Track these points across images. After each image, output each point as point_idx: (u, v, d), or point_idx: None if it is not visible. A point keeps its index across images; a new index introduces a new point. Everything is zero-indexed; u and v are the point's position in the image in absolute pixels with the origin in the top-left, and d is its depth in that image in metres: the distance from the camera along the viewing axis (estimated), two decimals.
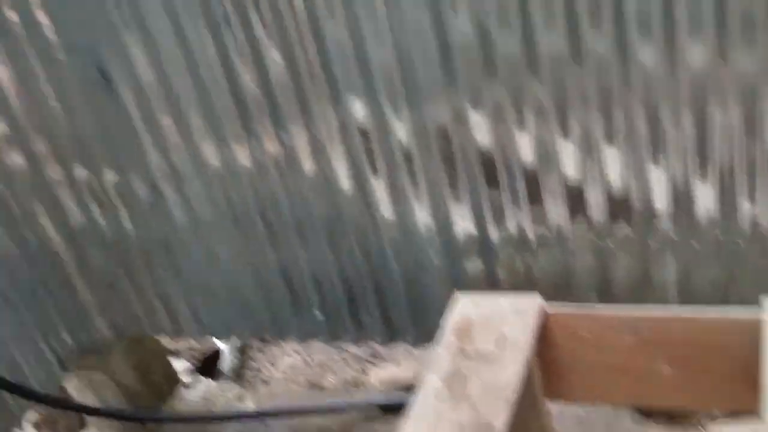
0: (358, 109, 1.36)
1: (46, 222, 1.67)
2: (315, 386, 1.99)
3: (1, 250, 1.65)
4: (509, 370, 1.11)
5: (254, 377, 2.11)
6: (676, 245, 1.30)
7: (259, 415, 1.89)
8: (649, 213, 1.30)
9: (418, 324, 1.56)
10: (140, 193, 1.62)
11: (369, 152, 1.41)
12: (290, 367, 2.07)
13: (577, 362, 1.22)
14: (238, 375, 2.12)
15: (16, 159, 1.59)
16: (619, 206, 1.31)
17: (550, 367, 1.25)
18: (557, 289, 1.43)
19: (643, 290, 1.36)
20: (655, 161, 1.25)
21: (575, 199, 1.33)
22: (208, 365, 2.17)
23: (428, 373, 1.15)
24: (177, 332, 1.89)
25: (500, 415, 1.05)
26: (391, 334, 1.65)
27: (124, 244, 1.71)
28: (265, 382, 2.06)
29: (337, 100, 1.36)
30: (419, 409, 1.10)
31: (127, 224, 1.68)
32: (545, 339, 1.23)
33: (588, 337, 1.19)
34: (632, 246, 1.33)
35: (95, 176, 1.61)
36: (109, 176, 1.60)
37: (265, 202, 1.53)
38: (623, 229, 1.32)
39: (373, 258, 1.54)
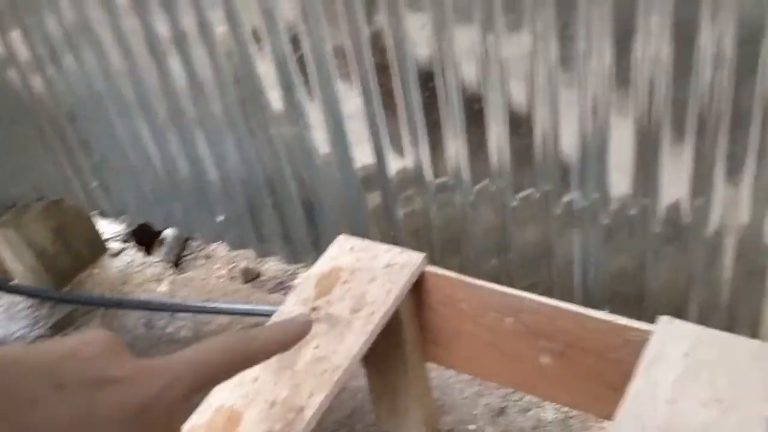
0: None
1: None
2: (250, 274, 1.88)
3: None
4: (350, 345, 0.97)
5: (189, 260, 2.00)
6: (583, 217, 1.13)
7: (155, 309, 1.79)
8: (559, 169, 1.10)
9: (319, 250, 1.44)
10: (43, 58, 1.47)
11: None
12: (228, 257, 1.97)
13: (457, 331, 1.12)
14: (174, 254, 2.01)
15: None
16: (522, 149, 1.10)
17: (431, 330, 1.16)
18: (454, 241, 1.28)
19: (543, 263, 1.22)
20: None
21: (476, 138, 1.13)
22: (147, 234, 2.03)
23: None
24: (92, 206, 1.78)
25: (318, 397, 0.90)
26: (294, 255, 1.54)
27: (34, 108, 1.58)
28: (196, 268, 1.96)
29: None
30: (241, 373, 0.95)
31: (38, 87, 1.55)
32: (425, 301, 1.13)
33: (467, 310, 1.10)
34: (535, 209, 1.16)
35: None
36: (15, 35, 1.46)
37: (171, 89, 1.37)
38: (528, 189, 1.15)
39: (270, 172, 1.39)
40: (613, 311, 1.00)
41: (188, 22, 1.24)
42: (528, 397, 1.33)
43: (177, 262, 2.00)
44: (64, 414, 0.34)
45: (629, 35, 0.91)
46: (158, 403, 0.38)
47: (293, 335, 0.47)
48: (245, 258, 1.94)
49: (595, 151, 1.04)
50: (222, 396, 0.93)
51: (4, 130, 1.68)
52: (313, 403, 0.91)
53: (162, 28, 1.28)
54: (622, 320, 0.94)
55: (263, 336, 0.46)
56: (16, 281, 1.91)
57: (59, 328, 1.79)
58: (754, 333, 1.06)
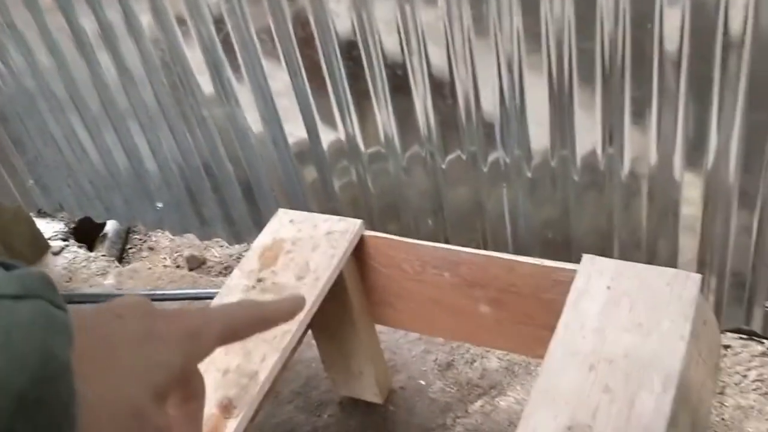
0: None
1: None
2: (196, 261, 1.91)
3: None
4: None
5: (133, 253, 2.01)
6: (509, 173, 1.19)
7: (103, 301, 1.79)
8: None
9: (261, 228, 1.46)
10: None
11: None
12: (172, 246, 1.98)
13: (401, 291, 1.18)
14: (117, 248, 2.01)
15: None
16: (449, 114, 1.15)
17: (376, 292, 1.20)
18: (391, 207, 1.33)
19: (476, 219, 1.27)
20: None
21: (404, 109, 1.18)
22: (88, 231, 2.03)
23: (216, 301, 1.05)
24: (29, 205, 1.78)
25: (270, 360, 0.95)
26: (236, 236, 1.57)
27: None
28: (141, 260, 1.97)
29: None
30: None
31: None
32: (367, 264, 1.18)
33: (408, 269, 1.16)
34: (464, 169, 1.21)
35: None
36: None
37: (101, 81, 1.37)
38: (455, 151, 1.20)
39: (206, 155, 1.41)
40: (544, 258, 1.07)
41: (113, 13, 1.26)
42: (473, 350, 1.40)
43: (121, 256, 2.01)
44: (127, 332, 0.41)
45: None
46: (201, 333, 0.45)
47: (294, 306, 0.52)
48: (189, 246, 1.97)
49: (514, 109, 1.10)
50: None
51: None
52: (266, 366, 0.95)
53: (87, 22, 1.29)
54: (549, 263, 1.00)
55: (273, 304, 0.52)
56: None
57: None
58: (672, 265, 1.14)
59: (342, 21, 1.11)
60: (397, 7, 1.06)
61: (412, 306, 1.18)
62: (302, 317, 1.01)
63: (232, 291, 1.07)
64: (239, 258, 1.90)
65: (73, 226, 2.02)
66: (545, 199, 1.18)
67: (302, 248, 1.12)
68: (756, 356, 1.32)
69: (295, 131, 1.29)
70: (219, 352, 0.98)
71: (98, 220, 1.74)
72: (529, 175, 1.16)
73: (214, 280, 1.80)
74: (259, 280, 1.08)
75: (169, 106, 1.36)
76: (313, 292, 1.04)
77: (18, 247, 1.91)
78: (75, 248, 1.95)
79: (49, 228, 2.00)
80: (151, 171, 1.49)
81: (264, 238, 1.15)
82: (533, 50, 1.02)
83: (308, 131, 1.28)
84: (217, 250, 1.95)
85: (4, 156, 1.64)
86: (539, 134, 1.11)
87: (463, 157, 1.20)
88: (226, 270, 1.90)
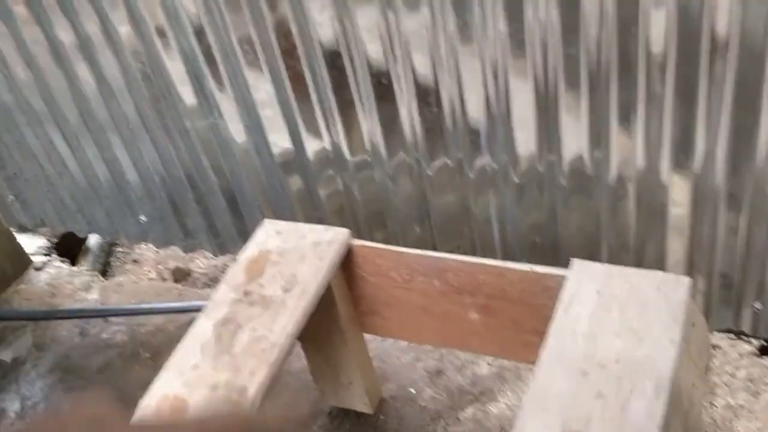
0: None
1: None
2: (181, 273, 1.89)
3: None
4: (285, 323, 0.99)
5: (117, 267, 1.99)
6: (496, 178, 1.19)
7: (86, 316, 1.77)
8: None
9: (246, 239, 1.45)
10: None
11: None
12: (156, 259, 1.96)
13: (389, 299, 1.17)
14: (100, 262, 1.99)
15: None
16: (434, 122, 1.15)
17: (365, 301, 1.19)
18: (378, 215, 1.32)
19: (463, 225, 1.27)
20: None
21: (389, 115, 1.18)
22: (70, 246, 2.00)
23: (203, 316, 1.03)
24: (10, 221, 1.75)
25: (259, 375, 0.93)
26: (221, 247, 1.55)
27: None
28: (125, 273, 1.95)
29: None
30: (180, 362, 0.95)
31: None
32: (356, 274, 1.17)
33: (396, 278, 1.15)
34: (450, 176, 1.21)
35: None
36: None
37: (80, 94, 1.36)
38: (442, 157, 1.20)
39: (189, 167, 1.40)
40: (531, 262, 1.06)
41: (91, 25, 1.25)
42: (463, 356, 1.39)
43: (105, 270, 1.99)
44: None
45: (519, 1, 0.97)
46: None
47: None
48: (174, 258, 1.95)
49: (500, 114, 1.10)
50: (164, 385, 0.95)
51: None
52: (256, 381, 0.94)
53: (64, 34, 1.28)
54: (539, 268, 1.00)
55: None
56: None
57: None
58: (661, 268, 1.14)
59: (325, 30, 1.10)
60: (381, 15, 1.05)
61: (400, 314, 1.17)
62: (291, 330, 1.00)
63: (219, 305, 1.05)
64: (225, 269, 1.89)
65: (55, 240, 2.00)
66: (533, 204, 1.18)
67: (289, 259, 1.10)
68: (745, 355, 1.32)
69: (279, 141, 1.28)
70: (208, 368, 0.96)
71: (80, 235, 1.72)
72: (516, 180, 1.16)
73: (200, 292, 1.78)
74: (246, 293, 1.07)
75: (150, 118, 1.35)
76: (300, 304, 1.03)
77: None
78: (58, 263, 1.93)
79: (31, 243, 1.97)
80: (133, 183, 1.48)
81: (250, 250, 1.14)
82: (518, 56, 1.02)
83: (293, 141, 1.27)
84: (202, 262, 1.93)
85: None
86: (526, 139, 1.11)
87: (450, 163, 1.20)
88: (212, 281, 1.88)
